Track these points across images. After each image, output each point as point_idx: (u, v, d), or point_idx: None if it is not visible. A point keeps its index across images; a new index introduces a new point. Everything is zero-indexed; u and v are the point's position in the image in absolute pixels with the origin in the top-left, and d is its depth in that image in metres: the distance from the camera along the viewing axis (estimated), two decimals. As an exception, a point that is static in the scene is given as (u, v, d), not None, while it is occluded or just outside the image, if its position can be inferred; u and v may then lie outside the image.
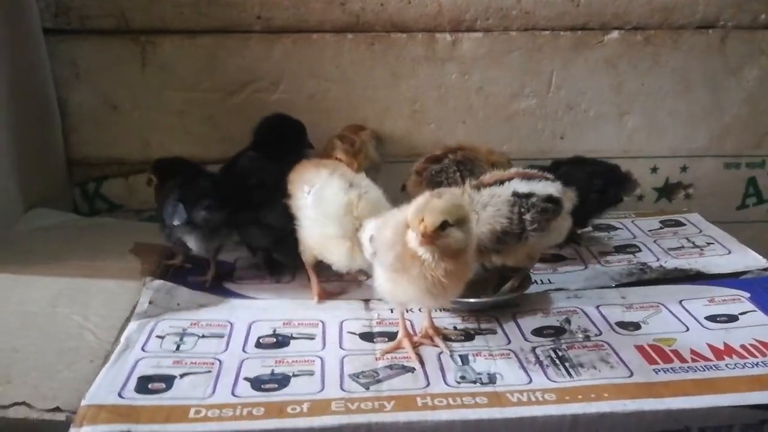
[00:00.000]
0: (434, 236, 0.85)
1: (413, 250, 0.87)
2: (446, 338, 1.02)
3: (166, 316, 1.05)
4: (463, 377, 0.92)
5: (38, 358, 0.92)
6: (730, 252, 1.31)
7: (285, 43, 1.40)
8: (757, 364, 0.94)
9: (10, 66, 1.26)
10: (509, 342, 1.01)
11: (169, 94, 1.42)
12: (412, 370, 0.93)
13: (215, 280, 1.19)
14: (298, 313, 1.08)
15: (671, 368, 0.93)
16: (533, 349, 0.99)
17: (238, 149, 1.25)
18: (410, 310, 1.08)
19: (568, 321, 1.07)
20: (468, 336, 1.03)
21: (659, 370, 0.93)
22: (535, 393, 0.88)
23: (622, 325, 1.06)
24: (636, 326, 1.06)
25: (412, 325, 1.05)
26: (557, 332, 1.04)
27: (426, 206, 0.86)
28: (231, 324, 1.05)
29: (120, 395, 0.85)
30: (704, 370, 0.93)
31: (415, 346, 0.99)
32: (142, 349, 0.96)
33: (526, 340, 1.02)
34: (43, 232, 1.34)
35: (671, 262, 1.29)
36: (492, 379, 0.91)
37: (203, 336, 1.01)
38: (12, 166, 1.31)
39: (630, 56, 1.49)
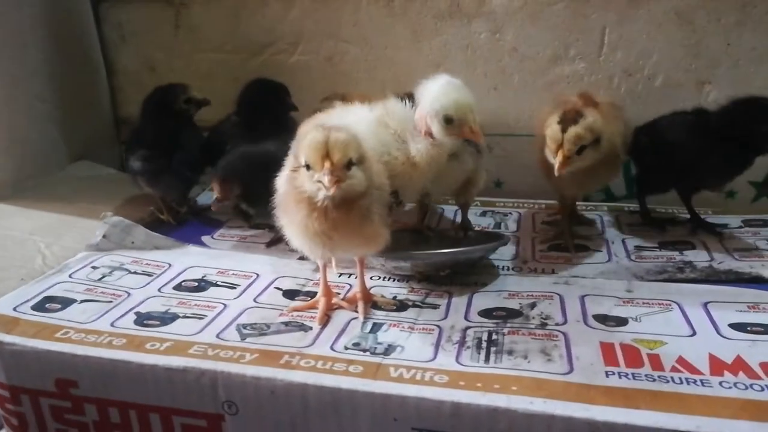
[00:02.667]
0: (342, 176, 0.72)
1: (299, 192, 0.75)
2: (376, 306, 0.87)
3: (116, 252, 1.05)
4: (356, 344, 0.77)
5: (-18, 271, 0.98)
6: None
7: (303, 1, 1.36)
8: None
9: (57, 29, 1.39)
10: (444, 318, 0.83)
11: (198, 56, 1.46)
12: (307, 329, 0.81)
13: (195, 232, 1.17)
14: (238, 265, 1.01)
15: (633, 374, 0.69)
16: (465, 329, 0.80)
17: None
18: (377, 277, 0.95)
19: (532, 306, 0.86)
20: (402, 307, 0.87)
21: (613, 374, 0.69)
22: (426, 372, 0.70)
23: (602, 319, 0.82)
24: (620, 322, 0.81)
25: (349, 290, 0.92)
26: (509, 315, 0.83)
27: (329, 141, 0.72)
28: (169, 265, 1.01)
29: (15, 309, 0.86)
30: (680, 383, 0.67)
31: (332, 308, 0.86)
32: (70, 276, 0.96)
33: (466, 319, 0.83)
34: (78, 181, 1.44)
35: (728, 264, 0.98)
36: (388, 351, 0.75)
37: (134, 272, 0.99)
38: (59, 118, 1.44)
39: (710, 8, 1.18)
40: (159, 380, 0.73)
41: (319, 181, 0.72)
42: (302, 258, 0.92)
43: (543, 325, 0.80)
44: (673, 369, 0.70)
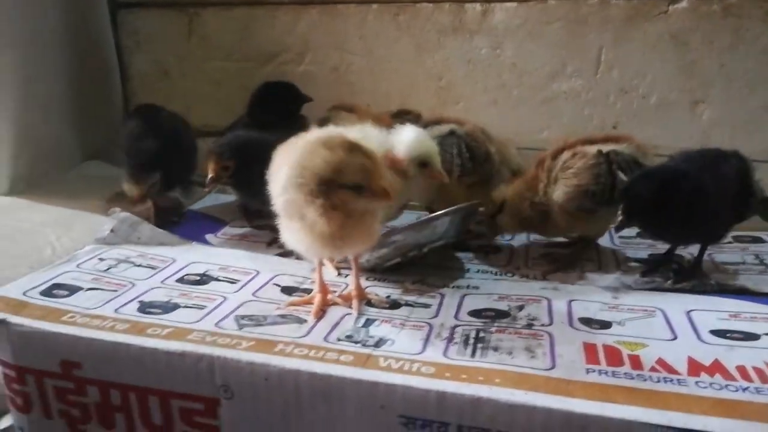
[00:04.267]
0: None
1: (302, 200, 0.78)
2: (369, 303, 0.91)
3: (122, 246, 1.09)
4: (349, 336, 0.80)
5: (-3, 260, 1.02)
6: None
7: (311, 13, 1.41)
8: (746, 389, 0.68)
9: (75, 32, 1.45)
10: (435, 316, 0.87)
11: (208, 63, 1.51)
12: (302, 322, 0.84)
13: (199, 230, 1.21)
14: (239, 262, 1.05)
15: (612, 372, 0.72)
16: (454, 327, 0.83)
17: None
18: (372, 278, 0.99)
19: (520, 308, 0.89)
20: (394, 305, 0.91)
21: (593, 371, 0.72)
22: (414, 363, 0.73)
23: (587, 321, 0.85)
24: (604, 325, 0.84)
25: (345, 288, 0.96)
26: (497, 316, 0.86)
27: (375, 161, 0.77)
28: (173, 260, 1.05)
29: (24, 294, 0.89)
30: (657, 382, 0.70)
31: (327, 304, 0.90)
32: (78, 266, 1.00)
33: (456, 318, 0.86)
34: (89, 179, 1.49)
35: (714, 276, 1.00)
36: (379, 343, 0.78)
37: (139, 265, 1.02)
38: (73, 119, 1.49)
39: (704, 30, 1.22)
40: (158, 363, 0.77)
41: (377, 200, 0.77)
42: (298, 258, 0.96)
43: (529, 326, 0.83)
44: (652, 369, 0.72)
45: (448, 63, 1.37)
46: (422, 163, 0.99)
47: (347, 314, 0.87)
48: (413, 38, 1.37)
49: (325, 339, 0.80)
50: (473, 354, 0.76)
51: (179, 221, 1.25)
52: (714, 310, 0.88)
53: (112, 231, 1.10)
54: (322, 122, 1.29)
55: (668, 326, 0.83)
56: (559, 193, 1.01)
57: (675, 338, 0.80)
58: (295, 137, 0.87)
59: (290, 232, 0.84)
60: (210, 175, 1.07)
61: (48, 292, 0.90)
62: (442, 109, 1.39)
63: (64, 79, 1.44)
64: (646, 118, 1.30)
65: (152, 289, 0.94)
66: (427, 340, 0.79)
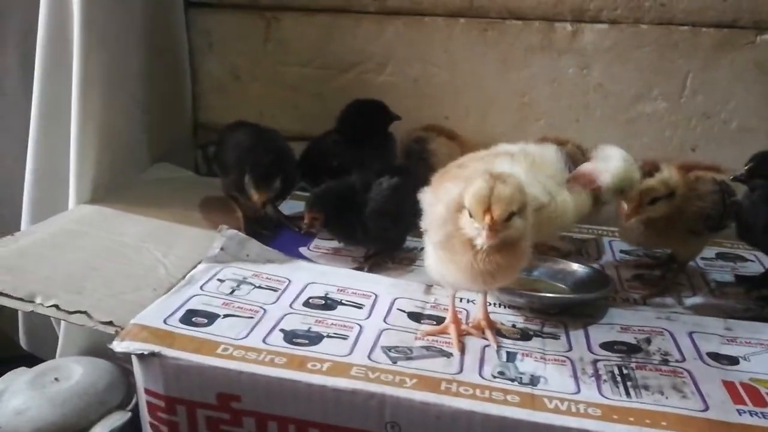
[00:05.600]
0: (501, 229, 0.78)
1: (466, 235, 0.81)
2: (499, 334, 0.94)
3: (233, 264, 1.09)
4: (501, 373, 0.84)
5: (111, 279, 1.01)
6: None
7: (396, 24, 1.40)
8: None
9: (153, 32, 1.42)
10: (569, 350, 0.90)
11: (284, 69, 1.49)
12: (449, 355, 0.87)
13: (291, 243, 1.22)
14: (354, 283, 1.07)
15: (762, 413, 0.77)
16: (595, 362, 0.87)
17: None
18: (468, 300, 1.02)
19: (648, 341, 0.93)
20: (524, 336, 0.94)
21: (744, 412, 0.77)
22: (578, 404, 0.77)
23: (715, 357, 0.90)
24: (732, 361, 0.89)
25: (467, 314, 0.99)
26: (630, 350, 0.91)
27: (493, 194, 0.78)
28: (289, 281, 1.06)
29: (165, 321, 0.90)
30: (805, 424, 0.75)
31: (462, 334, 0.93)
32: (201, 288, 1.01)
33: (590, 351, 0.90)
34: (162, 183, 1.47)
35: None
36: (534, 381, 0.82)
37: (259, 287, 1.03)
38: (146, 122, 1.46)
39: (788, 61, 1.27)
40: (326, 400, 0.79)
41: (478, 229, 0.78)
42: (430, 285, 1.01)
43: (664, 362, 0.88)
44: (795, 410, 0.78)
45: (533, 81, 1.38)
46: (622, 191, 0.98)
47: (486, 346, 0.90)
48: (500, 54, 1.38)
49: (480, 375, 0.83)
50: (628, 394, 0.80)
51: (271, 234, 1.26)
52: (823, 343, 0.93)
53: (222, 249, 1.11)
54: (418, 142, 1.30)
55: (789, 362, 0.89)
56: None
57: (801, 375, 0.86)
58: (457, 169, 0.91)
59: (440, 263, 0.87)
60: (305, 222, 1.15)
61: (187, 320, 0.91)
62: (523, 124, 1.42)
63: (143, 82, 1.41)
64: (724, 142, 1.34)
65: (286, 315, 0.95)
66: (576, 378, 0.83)
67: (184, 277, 1.04)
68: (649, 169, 1.03)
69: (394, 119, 1.31)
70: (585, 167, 1.01)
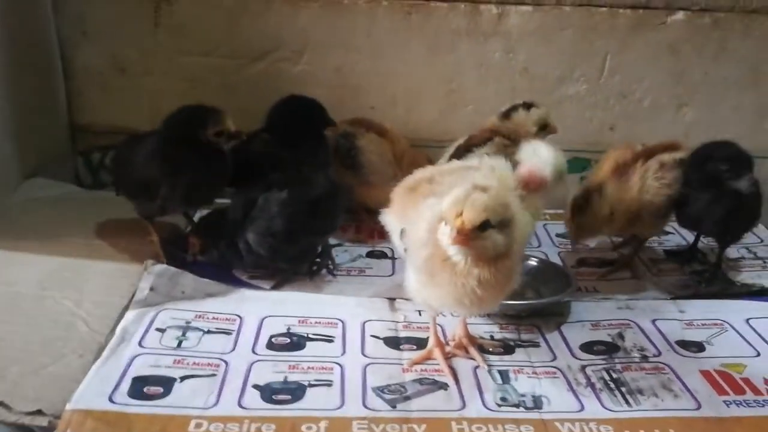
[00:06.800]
0: (470, 236, 0.72)
1: (444, 252, 0.74)
2: (482, 349, 0.90)
3: (168, 306, 0.94)
4: (504, 399, 0.80)
5: (22, 349, 0.81)
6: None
7: (312, 7, 1.27)
8: None
9: (9, 20, 1.14)
10: (555, 358, 0.89)
11: (182, 59, 1.30)
12: (444, 386, 0.81)
13: (224, 268, 1.07)
14: (314, 310, 0.97)
15: (744, 401, 0.81)
16: (583, 368, 0.87)
17: (254, 123, 1.16)
18: (442, 314, 0.97)
19: (621, 336, 0.95)
20: (507, 348, 0.91)
21: (730, 403, 0.81)
22: (589, 424, 0.76)
23: (683, 344, 0.93)
24: (699, 347, 0.93)
25: (443, 331, 0.93)
26: (609, 349, 0.92)
27: (467, 199, 0.72)
28: (240, 318, 0.93)
29: (111, 399, 0.74)
30: (774, 405, 0.81)
31: (448, 357, 0.87)
32: (140, 344, 0.85)
33: (573, 356, 0.90)
34: (41, 204, 1.23)
35: (732, 276, 1.15)
36: (537, 403, 0.79)
37: (208, 331, 0.90)
38: (9, 129, 1.19)
39: (695, 41, 1.34)
40: (334, 466, 0.70)
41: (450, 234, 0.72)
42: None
43: (644, 358, 0.90)
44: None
45: (460, 66, 1.33)
46: (561, 175, 0.96)
47: (476, 367, 0.86)
48: (425, 39, 1.30)
49: (484, 405, 0.78)
50: (627, 402, 0.80)
51: (192, 257, 1.09)
52: (764, 317, 1.01)
53: (151, 289, 0.94)
54: (345, 137, 1.19)
55: (744, 340, 0.95)
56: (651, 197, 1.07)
57: (758, 354, 0.92)
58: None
59: (422, 287, 0.80)
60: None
61: (138, 393, 0.75)
62: (451, 112, 1.36)
63: (1, 81, 1.13)
64: (638, 119, 1.40)
65: (252, 364, 0.83)
66: (574, 391, 0.82)
67: (112, 331, 0.87)
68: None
69: (330, 124, 1.19)
70: (524, 171, 0.96)
